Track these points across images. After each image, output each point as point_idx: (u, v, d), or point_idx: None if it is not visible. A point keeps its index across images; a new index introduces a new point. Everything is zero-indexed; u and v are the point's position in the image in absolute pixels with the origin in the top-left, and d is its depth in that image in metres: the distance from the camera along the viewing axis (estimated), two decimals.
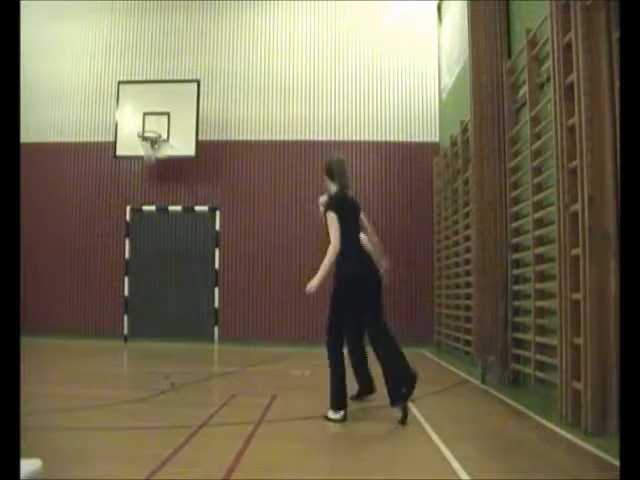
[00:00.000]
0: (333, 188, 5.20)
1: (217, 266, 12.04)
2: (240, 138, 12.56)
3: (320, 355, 9.75)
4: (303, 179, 12.18)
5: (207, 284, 12.05)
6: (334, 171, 5.20)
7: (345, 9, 12.69)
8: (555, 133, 5.02)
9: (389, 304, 12.18)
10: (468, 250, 8.76)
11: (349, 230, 5.06)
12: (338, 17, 12.69)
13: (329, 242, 4.96)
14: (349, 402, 5.11)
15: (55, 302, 12.08)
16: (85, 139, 12.65)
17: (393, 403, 4.86)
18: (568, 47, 4.81)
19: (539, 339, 5.93)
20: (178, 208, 12.28)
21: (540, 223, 6.06)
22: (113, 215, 12.24)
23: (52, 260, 12.27)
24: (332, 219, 4.96)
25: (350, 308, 5.11)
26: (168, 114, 11.74)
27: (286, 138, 12.50)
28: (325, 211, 5.06)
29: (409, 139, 12.42)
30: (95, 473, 3.42)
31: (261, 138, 12.54)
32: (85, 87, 12.74)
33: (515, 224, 6.93)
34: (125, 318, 11.77)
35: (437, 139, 12.21)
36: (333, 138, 12.41)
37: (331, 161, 5.28)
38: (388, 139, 12.43)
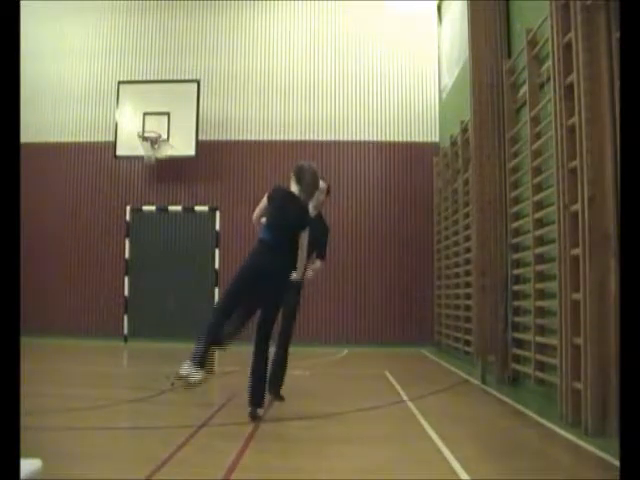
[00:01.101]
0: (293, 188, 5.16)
1: (217, 266, 12.04)
2: (240, 138, 12.56)
3: (319, 355, 9.76)
4: None
5: (207, 284, 12.04)
6: (301, 179, 5.11)
7: (345, 9, 12.70)
8: (555, 133, 5.02)
9: (389, 304, 12.20)
10: (468, 250, 8.75)
11: (277, 224, 5.01)
12: (338, 17, 12.70)
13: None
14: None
15: (55, 302, 12.08)
16: (85, 139, 12.65)
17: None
18: (568, 47, 4.81)
19: (539, 339, 5.93)
20: (178, 208, 12.28)
21: (540, 223, 6.06)
22: (113, 215, 12.24)
23: (52, 260, 12.27)
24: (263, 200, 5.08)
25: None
26: (168, 114, 11.74)
27: (286, 138, 12.50)
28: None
29: (409, 139, 12.42)
30: (95, 473, 3.42)
31: (261, 138, 12.54)
32: (85, 87, 12.74)
33: (515, 224, 6.93)
34: (125, 318, 11.77)
35: (437, 139, 12.21)
36: (333, 138, 12.42)
37: (302, 167, 5.20)
38: (388, 139, 12.43)
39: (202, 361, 4.89)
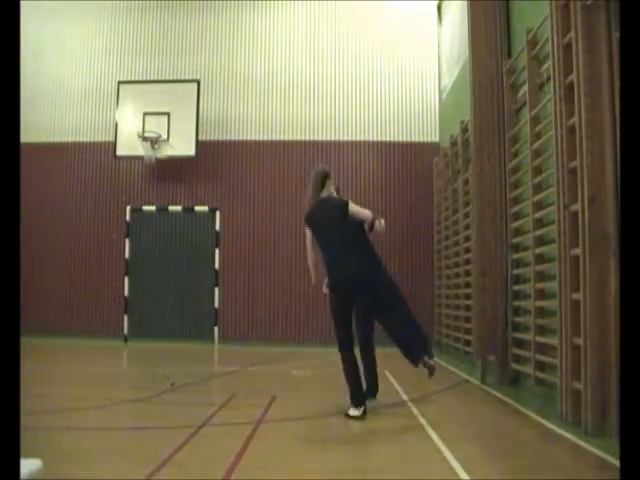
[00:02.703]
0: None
1: (217, 266, 12.04)
2: (240, 138, 12.56)
3: (319, 355, 9.74)
4: (303, 179, 12.16)
5: (207, 284, 12.05)
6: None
7: (345, 9, 12.70)
8: (555, 133, 5.02)
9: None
10: (468, 250, 8.75)
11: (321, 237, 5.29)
12: (338, 17, 12.69)
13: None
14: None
15: (55, 302, 12.08)
16: (85, 139, 12.65)
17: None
18: (568, 47, 4.81)
19: (539, 339, 5.93)
20: (178, 208, 12.28)
21: (540, 223, 6.05)
22: (113, 215, 12.24)
23: (52, 260, 12.27)
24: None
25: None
26: (168, 114, 11.74)
27: (286, 138, 12.50)
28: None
29: (409, 139, 12.41)
30: (95, 473, 3.42)
31: (261, 138, 12.54)
32: (85, 87, 12.74)
33: (515, 224, 6.93)
34: (125, 318, 11.77)
35: (437, 139, 12.21)
36: (333, 138, 12.42)
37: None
38: (388, 139, 12.43)
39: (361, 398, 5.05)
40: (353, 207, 5.28)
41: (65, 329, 11.83)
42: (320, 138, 12.41)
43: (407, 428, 4.68)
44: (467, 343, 8.76)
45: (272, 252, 12.16)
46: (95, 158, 12.55)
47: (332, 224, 5.26)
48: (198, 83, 12.03)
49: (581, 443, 4.08)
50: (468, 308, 8.74)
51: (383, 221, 5.35)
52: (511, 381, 6.80)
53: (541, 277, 6.05)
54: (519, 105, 6.92)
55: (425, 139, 12.37)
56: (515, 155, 6.97)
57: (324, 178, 5.47)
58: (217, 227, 12.17)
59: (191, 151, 11.81)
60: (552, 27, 5.10)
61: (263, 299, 12.11)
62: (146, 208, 12.24)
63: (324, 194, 5.43)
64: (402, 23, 12.57)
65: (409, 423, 4.82)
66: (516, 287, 6.91)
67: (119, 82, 12.16)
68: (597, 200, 4.37)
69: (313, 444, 4.30)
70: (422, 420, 4.85)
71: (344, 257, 5.14)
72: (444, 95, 11.89)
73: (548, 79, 5.49)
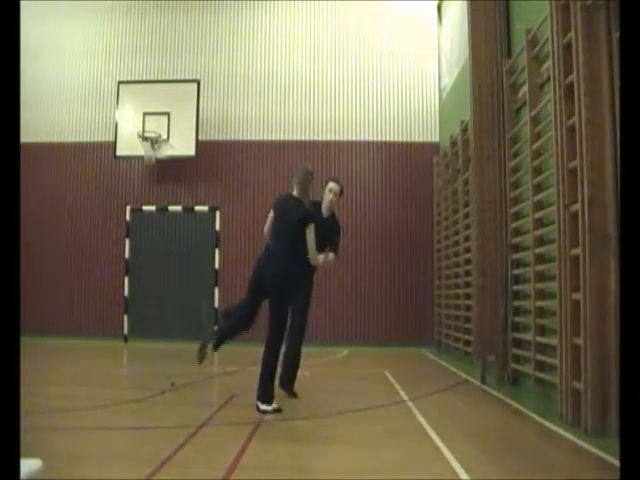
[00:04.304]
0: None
1: (217, 266, 12.04)
2: (240, 138, 12.56)
3: (319, 355, 9.74)
4: None
5: (207, 284, 12.05)
6: (294, 177, 5.54)
7: (345, 9, 12.70)
8: (555, 133, 5.02)
9: (389, 304, 12.19)
10: (468, 250, 8.75)
11: (278, 229, 5.44)
12: (338, 17, 12.70)
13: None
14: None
15: (55, 302, 12.08)
16: (85, 139, 12.65)
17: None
18: (568, 47, 4.81)
19: (539, 339, 5.93)
20: (178, 208, 12.28)
21: (540, 223, 6.06)
22: (113, 215, 12.24)
23: (52, 260, 12.27)
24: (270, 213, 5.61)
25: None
26: (168, 114, 11.75)
27: (286, 138, 12.50)
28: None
29: (409, 139, 12.41)
30: (95, 473, 3.42)
31: (261, 138, 12.55)
32: (85, 87, 12.74)
33: (515, 224, 6.93)
34: (125, 318, 11.76)
35: (437, 139, 12.21)
36: (333, 138, 12.42)
37: (297, 168, 5.62)
38: (388, 139, 12.43)
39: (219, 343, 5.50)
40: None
41: (65, 329, 11.83)
42: (320, 138, 12.41)
43: (407, 428, 4.67)
44: (467, 343, 8.76)
45: None
46: (95, 158, 12.56)
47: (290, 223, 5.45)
48: (198, 83, 12.03)
49: (581, 443, 4.08)
50: (468, 308, 8.74)
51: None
52: (511, 381, 6.81)
53: (541, 277, 6.06)
54: (519, 105, 6.93)
55: (425, 139, 12.37)
56: (515, 155, 6.97)
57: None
58: (217, 227, 12.17)
59: (191, 151, 11.81)
60: (552, 27, 5.10)
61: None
62: (146, 208, 12.24)
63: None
64: (402, 23, 12.58)
65: (409, 423, 4.81)
66: (516, 287, 6.91)
67: (119, 82, 12.16)
68: (597, 200, 4.37)
69: (313, 444, 4.30)
70: (422, 420, 4.84)
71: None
72: (444, 95, 11.89)
73: (548, 79, 5.49)
